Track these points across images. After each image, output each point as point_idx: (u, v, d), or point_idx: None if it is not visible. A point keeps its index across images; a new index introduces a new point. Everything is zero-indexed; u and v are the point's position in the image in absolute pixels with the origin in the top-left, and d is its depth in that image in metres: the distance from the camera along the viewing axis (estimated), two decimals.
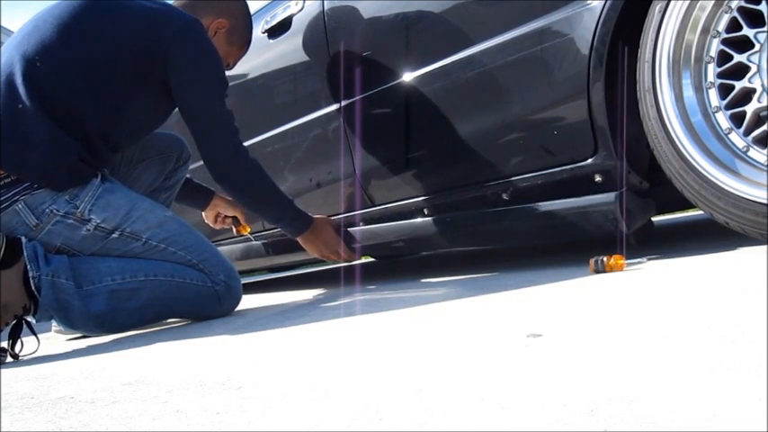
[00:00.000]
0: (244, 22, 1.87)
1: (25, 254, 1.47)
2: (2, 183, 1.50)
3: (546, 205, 1.49)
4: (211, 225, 2.19)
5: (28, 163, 1.51)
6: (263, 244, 2.39)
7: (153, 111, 1.73)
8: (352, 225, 2.02)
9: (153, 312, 1.62)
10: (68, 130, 1.53)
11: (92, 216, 1.56)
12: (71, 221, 1.55)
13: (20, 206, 1.51)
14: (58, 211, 1.54)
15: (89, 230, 1.56)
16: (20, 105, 1.50)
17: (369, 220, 1.97)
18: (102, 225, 1.57)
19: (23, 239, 1.51)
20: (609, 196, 1.35)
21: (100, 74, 1.57)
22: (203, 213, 2.19)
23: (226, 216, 2.18)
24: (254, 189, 1.78)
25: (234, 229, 2.22)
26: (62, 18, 1.58)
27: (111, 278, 1.55)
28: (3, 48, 1.62)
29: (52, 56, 1.54)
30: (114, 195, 1.60)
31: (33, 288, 1.45)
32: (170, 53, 1.60)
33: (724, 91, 1.16)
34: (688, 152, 1.17)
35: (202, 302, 1.64)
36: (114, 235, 1.58)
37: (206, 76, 1.66)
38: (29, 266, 1.46)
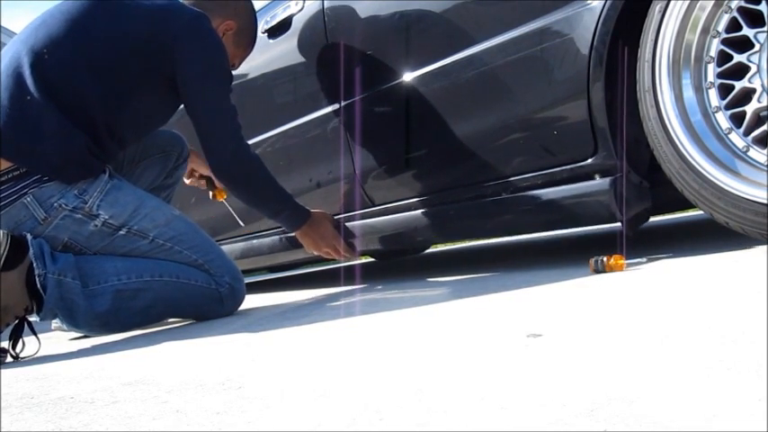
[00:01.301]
0: (250, 24, 1.89)
1: (31, 251, 1.46)
2: (10, 175, 1.49)
3: (541, 194, 1.49)
4: (185, 181, 2.17)
5: (37, 153, 1.51)
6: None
7: (159, 106, 1.73)
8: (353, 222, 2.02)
9: (156, 312, 1.62)
10: (76, 121, 1.53)
11: (100, 212, 1.55)
12: (79, 216, 1.54)
13: (28, 199, 1.50)
14: (66, 205, 1.53)
15: (97, 226, 1.55)
16: (28, 97, 1.50)
17: (369, 218, 1.97)
18: (110, 221, 1.56)
19: (29, 237, 1.49)
20: (604, 183, 1.35)
21: (107, 68, 1.57)
22: None
23: (201, 176, 2.16)
24: (253, 183, 1.78)
25: (210, 194, 2.20)
26: (71, 14, 1.58)
27: (117, 278, 1.55)
28: (9, 43, 1.63)
29: (60, 49, 1.54)
30: (122, 192, 1.60)
31: (39, 286, 1.45)
32: (177, 47, 1.60)
33: (724, 91, 1.16)
34: (688, 152, 1.17)
35: (205, 304, 1.65)
36: (121, 232, 1.58)
37: (212, 70, 1.66)
38: (35, 264, 1.45)
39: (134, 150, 1.89)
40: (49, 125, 1.50)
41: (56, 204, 1.52)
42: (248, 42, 1.91)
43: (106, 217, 1.56)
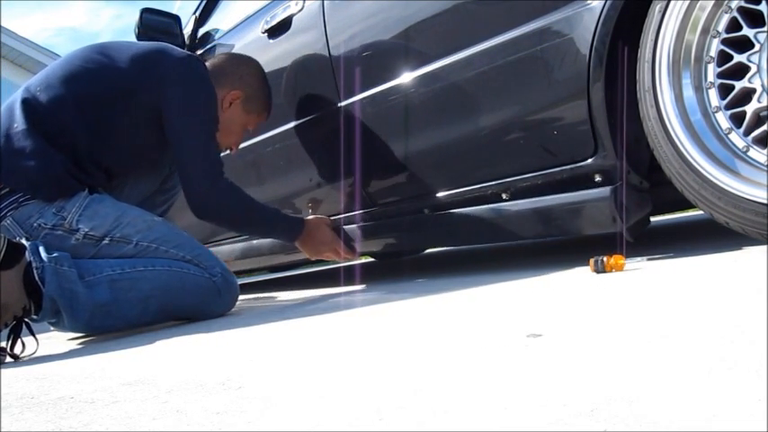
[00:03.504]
0: (259, 91, 1.94)
1: (28, 247, 1.49)
2: None
3: (540, 201, 1.49)
4: None
5: (18, 171, 1.58)
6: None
7: (146, 142, 1.77)
8: (352, 224, 2.02)
9: (156, 304, 1.61)
10: (57, 145, 1.60)
11: (80, 226, 1.59)
12: (60, 233, 1.58)
13: (8, 222, 1.56)
14: (45, 224, 1.57)
15: (78, 239, 1.59)
16: (15, 125, 1.60)
17: (369, 220, 1.97)
18: (91, 233, 1.60)
19: (24, 239, 1.53)
20: (604, 191, 1.35)
21: (92, 103, 1.66)
22: None
23: None
24: (233, 219, 1.83)
25: None
26: (68, 59, 1.72)
27: (111, 269, 1.57)
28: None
29: (51, 87, 1.65)
30: (102, 205, 1.63)
31: (37, 278, 1.46)
32: (164, 84, 1.69)
33: (724, 91, 1.16)
34: (688, 152, 1.17)
35: (202, 294, 1.65)
36: (105, 241, 1.61)
37: (193, 109, 1.71)
38: (32, 259, 1.47)
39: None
40: (30, 148, 1.57)
41: (35, 224, 1.57)
42: (260, 108, 1.95)
43: (86, 230, 1.59)
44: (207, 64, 1.89)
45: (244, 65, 1.93)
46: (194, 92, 1.72)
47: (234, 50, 2.26)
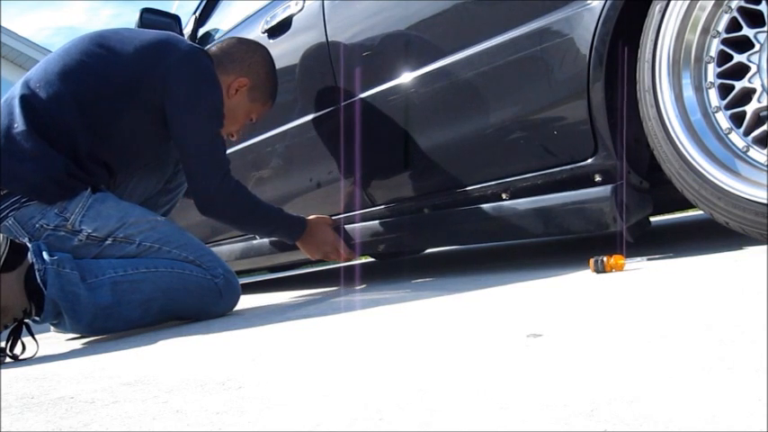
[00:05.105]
0: (266, 79, 1.90)
1: (30, 249, 1.48)
2: None
3: (540, 200, 1.49)
4: None
5: (18, 174, 1.56)
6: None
7: (148, 137, 1.76)
8: (352, 224, 2.02)
9: (157, 306, 1.61)
10: (57, 146, 1.58)
11: (83, 227, 1.58)
12: (62, 233, 1.57)
13: (10, 222, 1.55)
14: (47, 225, 1.56)
15: (81, 240, 1.58)
16: (15, 125, 1.57)
17: (369, 219, 1.97)
18: (94, 234, 1.59)
19: (26, 240, 1.52)
20: (605, 190, 1.36)
21: (92, 101, 1.63)
22: None
23: None
24: (240, 218, 1.82)
25: None
26: (69, 51, 1.67)
27: (114, 270, 1.56)
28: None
29: (50, 84, 1.61)
30: (105, 205, 1.62)
31: (39, 281, 1.45)
32: (167, 81, 1.66)
33: (724, 91, 1.16)
34: (688, 152, 1.17)
35: (204, 295, 1.65)
36: (107, 242, 1.60)
37: (198, 105, 1.69)
38: (35, 261, 1.46)
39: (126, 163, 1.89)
40: (30, 150, 1.55)
41: (37, 225, 1.56)
42: (265, 97, 1.92)
43: (89, 231, 1.58)
44: (214, 48, 1.86)
45: (253, 52, 1.89)
46: (199, 88, 1.69)
47: None
